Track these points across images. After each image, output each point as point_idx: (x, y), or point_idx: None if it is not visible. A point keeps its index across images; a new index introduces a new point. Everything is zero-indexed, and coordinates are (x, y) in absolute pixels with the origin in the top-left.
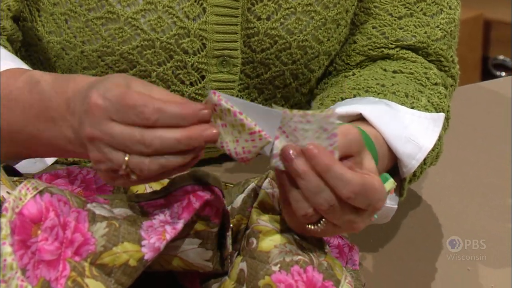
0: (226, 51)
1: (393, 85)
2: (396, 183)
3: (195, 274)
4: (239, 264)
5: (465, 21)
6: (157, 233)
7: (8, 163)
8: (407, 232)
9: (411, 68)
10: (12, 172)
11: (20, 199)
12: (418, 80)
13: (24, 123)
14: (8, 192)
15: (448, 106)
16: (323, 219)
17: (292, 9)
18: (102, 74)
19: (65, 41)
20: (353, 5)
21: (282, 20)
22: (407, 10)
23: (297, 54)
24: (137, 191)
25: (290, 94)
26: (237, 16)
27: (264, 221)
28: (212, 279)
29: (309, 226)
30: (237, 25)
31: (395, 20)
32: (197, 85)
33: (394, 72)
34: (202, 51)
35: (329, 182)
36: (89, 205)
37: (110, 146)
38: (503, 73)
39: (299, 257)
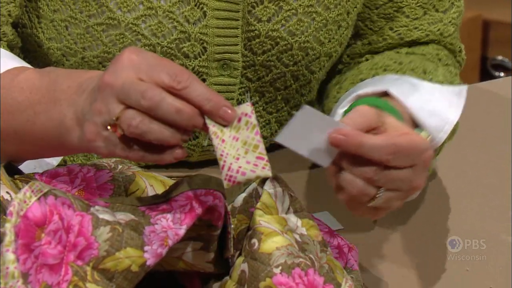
0: (226, 54)
1: (410, 62)
2: (430, 135)
3: (195, 274)
4: (241, 265)
5: (464, 22)
6: (160, 239)
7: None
8: (407, 232)
9: (423, 50)
10: (12, 171)
11: (25, 201)
12: (431, 60)
13: (23, 107)
14: (8, 193)
15: (460, 84)
16: (379, 190)
17: (293, 11)
18: None
19: (65, 47)
20: (354, 7)
21: (283, 21)
22: (422, 9)
23: (298, 56)
24: (137, 189)
25: (290, 96)
26: (238, 19)
27: (266, 223)
28: (213, 278)
29: (371, 202)
30: (237, 28)
31: (411, 21)
32: None
33: (407, 53)
34: (203, 55)
35: (366, 155)
36: (92, 209)
37: (116, 97)
38: (502, 74)
39: (301, 259)
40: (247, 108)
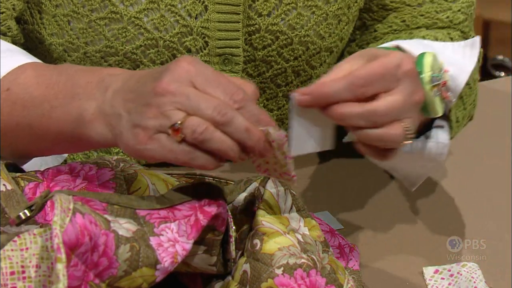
0: (228, 49)
1: (420, 32)
2: (435, 55)
3: (197, 273)
4: (243, 266)
5: None
6: (170, 256)
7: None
8: (407, 232)
9: (436, 32)
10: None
11: (62, 226)
12: (443, 40)
13: (38, 102)
14: (4, 185)
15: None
16: (404, 123)
17: (293, 4)
18: None
19: (67, 42)
20: (355, 2)
21: (283, 15)
22: None
23: (299, 50)
24: (139, 188)
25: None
26: (239, 13)
27: (268, 223)
28: (215, 278)
29: (405, 141)
30: (238, 22)
31: (414, 8)
32: None
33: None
34: (205, 49)
35: (340, 101)
36: (111, 224)
37: (176, 105)
38: (502, 73)
39: (303, 260)
40: (281, 138)
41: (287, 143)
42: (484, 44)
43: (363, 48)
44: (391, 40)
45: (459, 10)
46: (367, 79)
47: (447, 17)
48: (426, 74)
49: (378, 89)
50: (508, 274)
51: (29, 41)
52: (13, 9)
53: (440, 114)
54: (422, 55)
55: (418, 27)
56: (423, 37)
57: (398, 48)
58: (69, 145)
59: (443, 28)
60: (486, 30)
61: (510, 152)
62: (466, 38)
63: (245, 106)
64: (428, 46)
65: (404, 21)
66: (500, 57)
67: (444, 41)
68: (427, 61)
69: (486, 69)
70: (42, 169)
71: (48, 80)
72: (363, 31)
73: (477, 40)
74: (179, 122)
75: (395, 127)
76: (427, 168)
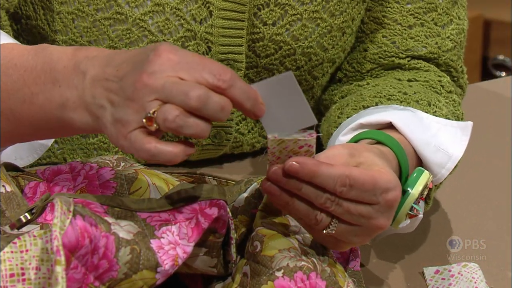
0: (230, 55)
1: (414, 93)
2: (432, 175)
3: (198, 274)
4: (243, 268)
5: None
6: (171, 259)
7: None
8: (407, 232)
9: (425, 77)
10: (13, 169)
11: (62, 228)
12: (433, 88)
13: (18, 86)
14: (3, 186)
15: (462, 114)
16: (334, 220)
17: (298, 16)
18: None
19: (71, 40)
20: (359, 14)
21: (287, 26)
22: (417, 20)
23: (301, 61)
24: (140, 188)
25: None
26: (243, 21)
27: (269, 225)
28: (215, 280)
29: (326, 231)
30: (243, 29)
31: (405, 29)
32: None
33: (409, 80)
34: (207, 54)
35: (320, 185)
36: (112, 227)
37: (154, 96)
38: (503, 73)
39: (303, 263)
40: (311, 140)
41: (315, 145)
42: (485, 44)
43: (352, 67)
44: (385, 95)
45: (448, 37)
46: (357, 182)
47: (436, 43)
48: (415, 192)
49: (355, 196)
50: (508, 274)
51: (32, 37)
52: (6, 0)
53: (398, 229)
54: (420, 172)
55: (408, 59)
56: (417, 101)
57: (390, 126)
58: (52, 131)
59: (432, 59)
60: (487, 30)
61: (510, 152)
62: (456, 72)
63: (234, 84)
64: (422, 123)
65: (394, 42)
66: (501, 57)
67: (435, 106)
68: (422, 181)
69: (487, 69)
70: (16, 162)
71: (26, 63)
72: (354, 46)
73: (469, 125)
74: (151, 111)
75: (323, 215)
76: (394, 231)
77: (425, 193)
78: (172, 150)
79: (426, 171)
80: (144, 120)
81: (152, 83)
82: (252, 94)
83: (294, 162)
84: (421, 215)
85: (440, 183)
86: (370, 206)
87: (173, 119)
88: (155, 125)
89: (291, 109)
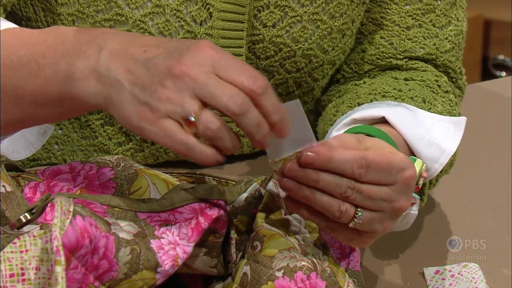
0: None
1: (409, 90)
2: (425, 164)
3: (198, 274)
4: (243, 268)
5: None
6: (171, 259)
7: None
8: (407, 232)
9: (422, 76)
10: (13, 169)
11: (62, 228)
12: (430, 87)
13: (25, 61)
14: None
15: (459, 114)
16: (358, 208)
17: (298, 17)
18: None
19: None
20: (359, 15)
21: (287, 28)
22: (415, 21)
23: (301, 63)
24: (140, 188)
25: None
26: (243, 22)
27: (269, 225)
28: (215, 279)
29: (351, 223)
30: (243, 31)
31: (403, 30)
32: None
33: (406, 79)
34: None
35: (337, 170)
36: (112, 227)
37: (194, 91)
38: (503, 73)
39: (303, 263)
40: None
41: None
42: (485, 44)
43: (350, 68)
44: (380, 92)
45: (446, 38)
46: (373, 163)
47: (434, 44)
48: None
49: (373, 178)
50: (508, 274)
51: None
52: None
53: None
54: (413, 160)
55: (406, 60)
56: (411, 98)
57: (383, 119)
58: (54, 110)
59: (430, 60)
60: (487, 30)
61: (510, 152)
62: (454, 73)
63: (267, 92)
64: (415, 117)
65: (392, 43)
66: (501, 56)
67: (430, 104)
68: (416, 168)
69: (487, 69)
70: (12, 156)
71: (35, 39)
72: (353, 46)
73: (463, 120)
74: (193, 115)
75: (347, 205)
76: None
77: (420, 182)
78: (208, 151)
79: (418, 159)
80: (181, 120)
81: (192, 74)
82: (281, 108)
83: (308, 153)
84: (415, 211)
85: (436, 180)
86: (388, 188)
87: (216, 129)
88: (194, 129)
89: (294, 133)
